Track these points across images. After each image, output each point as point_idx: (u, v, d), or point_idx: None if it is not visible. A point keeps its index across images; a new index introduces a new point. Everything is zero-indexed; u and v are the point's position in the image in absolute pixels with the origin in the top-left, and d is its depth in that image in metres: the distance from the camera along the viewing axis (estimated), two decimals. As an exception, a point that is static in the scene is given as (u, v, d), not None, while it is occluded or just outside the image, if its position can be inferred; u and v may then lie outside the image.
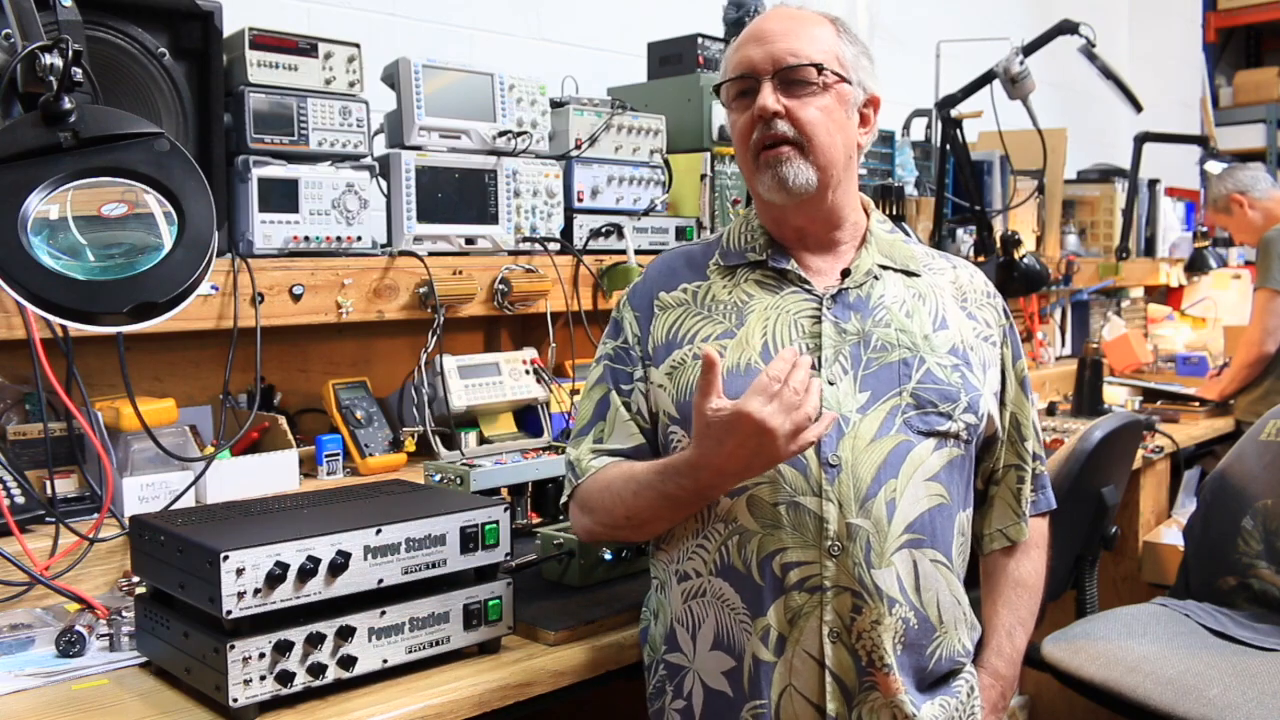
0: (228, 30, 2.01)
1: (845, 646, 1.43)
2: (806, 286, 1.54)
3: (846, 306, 1.53)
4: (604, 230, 2.61)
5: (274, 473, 2.01)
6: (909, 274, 1.59)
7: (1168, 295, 5.30)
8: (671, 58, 2.97)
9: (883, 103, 1.61)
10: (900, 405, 1.47)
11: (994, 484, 1.66)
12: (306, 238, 2.11)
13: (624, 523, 1.52)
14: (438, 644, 1.49)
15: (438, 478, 1.93)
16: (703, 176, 2.76)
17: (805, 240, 1.58)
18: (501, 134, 2.40)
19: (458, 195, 2.34)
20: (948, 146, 3.37)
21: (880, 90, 1.60)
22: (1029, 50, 3.25)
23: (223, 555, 1.30)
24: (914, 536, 1.45)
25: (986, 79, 3.26)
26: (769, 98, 1.49)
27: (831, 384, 1.47)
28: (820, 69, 1.51)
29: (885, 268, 1.58)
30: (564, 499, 1.61)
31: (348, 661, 1.40)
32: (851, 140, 1.56)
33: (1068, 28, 3.35)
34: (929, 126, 3.85)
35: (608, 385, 1.60)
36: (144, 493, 1.84)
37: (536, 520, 2.08)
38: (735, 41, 1.59)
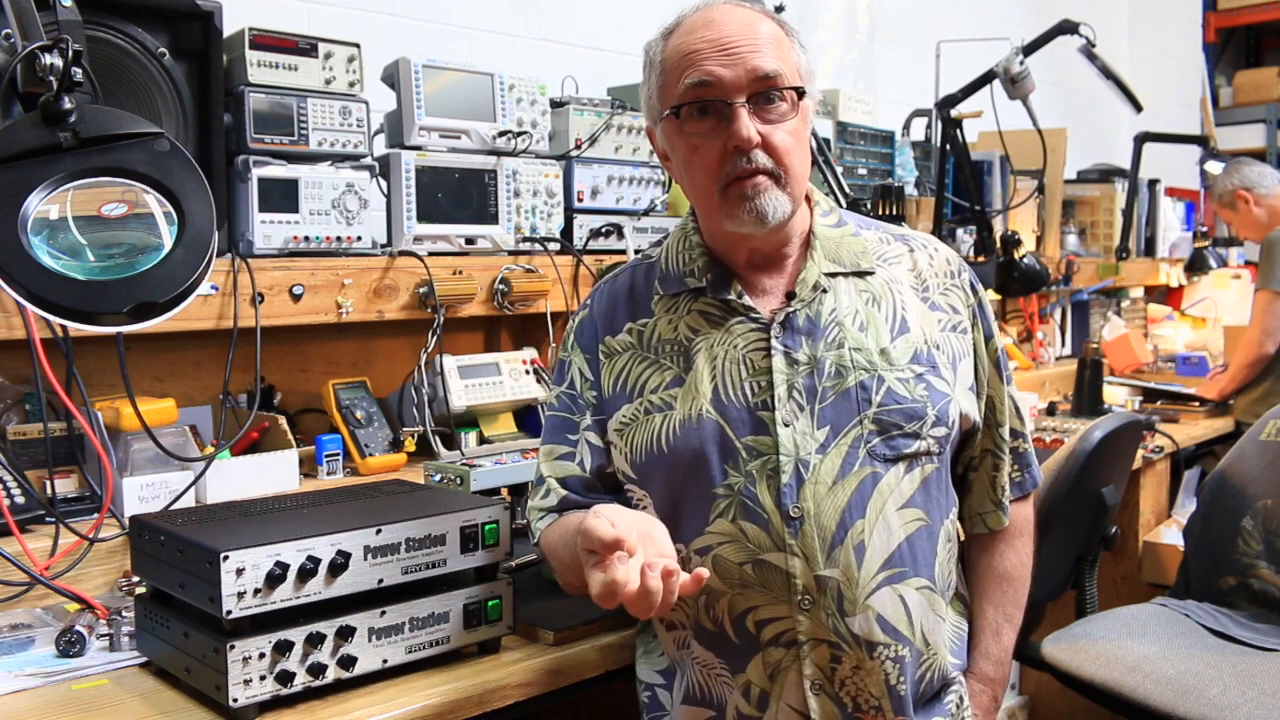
0: (228, 30, 2.01)
1: (829, 696, 1.39)
2: (753, 315, 1.44)
3: (795, 331, 1.42)
4: (604, 230, 2.61)
5: (274, 473, 2.01)
6: (861, 274, 1.47)
7: (1168, 295, 5.30)
8: (671, 58, 2.96)
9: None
10: (863, 435, 1.38)
11: (972, 470, 1.58)
12: (306, 238, 2.11)
13: (578, 582, 1.39)
14: (437, 644, 1.49)
15: (438, 478, 1.93)
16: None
17: (752, 259, 1.48)
18: (501, 134, 2.40)
19: (458, 195, 2.34)
20: (948, 146, 3.36)
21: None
22: (1029, 50, 3.25)
23: (223, 555, 1.30)
24: (893, 571, 1.39)
25: (986, 79, 3.26)
26: (749, 128, 1.35)
27: (787, 425, 1.38)
28: (801, 93, 1.39)
29: (834, 274, 1.46)
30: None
31: (348, 661, 1.40)
32: (810, 158, 1.47)
33: (1068, 28, 3.36)
34: (929, 126, 3.85)
35: (552, 442, 1.56)
36: (144, 493, 1.84)
37: (536, 520, 2.07)
38: (675, 42, 1.41)
